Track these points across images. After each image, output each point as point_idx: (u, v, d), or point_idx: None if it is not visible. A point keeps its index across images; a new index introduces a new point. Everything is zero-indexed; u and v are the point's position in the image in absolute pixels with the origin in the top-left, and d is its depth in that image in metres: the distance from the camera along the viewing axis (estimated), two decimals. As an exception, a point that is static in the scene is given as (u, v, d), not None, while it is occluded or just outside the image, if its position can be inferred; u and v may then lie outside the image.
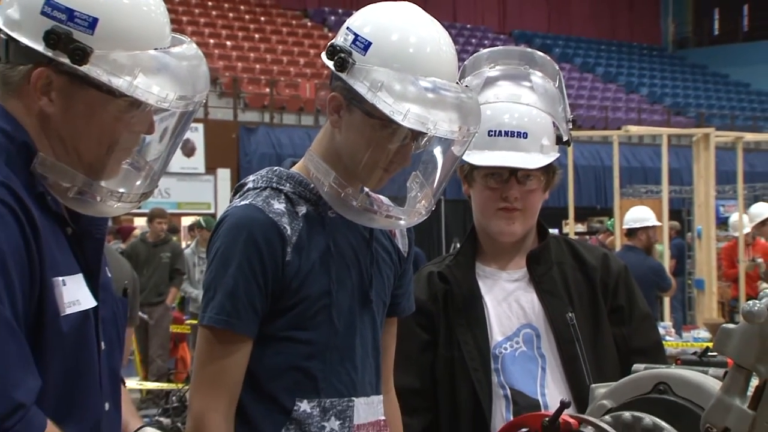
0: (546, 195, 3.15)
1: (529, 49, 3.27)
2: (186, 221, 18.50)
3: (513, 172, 3.03)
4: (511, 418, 2.87)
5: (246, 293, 2.53)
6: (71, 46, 2.05)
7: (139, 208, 2.40)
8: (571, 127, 3.17)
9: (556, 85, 3.14)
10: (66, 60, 2.05)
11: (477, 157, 3.00)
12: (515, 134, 3.02)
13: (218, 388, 2.56)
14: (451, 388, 3.07)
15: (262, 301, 2.55)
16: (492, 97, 3.08)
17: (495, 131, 3.01)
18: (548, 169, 3.08)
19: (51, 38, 2.05)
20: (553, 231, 3.33)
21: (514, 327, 3.08)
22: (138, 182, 2.26)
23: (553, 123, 3.11)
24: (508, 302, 3.10)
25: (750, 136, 16.07)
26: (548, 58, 3.20)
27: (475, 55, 3.22)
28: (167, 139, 2.29)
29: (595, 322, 3.09)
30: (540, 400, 3.03)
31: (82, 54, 2.04)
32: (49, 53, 2.06)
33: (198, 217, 17.60)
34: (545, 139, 3.04)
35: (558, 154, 3.10)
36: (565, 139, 3.14)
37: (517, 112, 3.06)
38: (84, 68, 2.06)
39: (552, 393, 3.01)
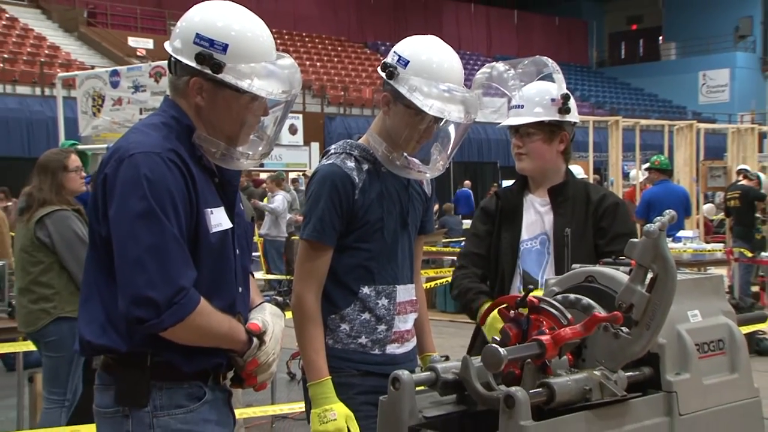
0: (558, 146, 3.11)
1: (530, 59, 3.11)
2: (292, 175, 19.49)
3: (516, 129, 3.09)
4: (521, 287, 2.97)
5: (330, 219, 2.60)
6: (212, 61, 2.11)
7: (261, 166, 2.49)
8: (563, 98, 3.07)
9: (549, 75, 3.08)
10: (209, 71, 2.11)
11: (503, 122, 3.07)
12: (517, 107, 3.05)
13: (311, 278, 2.64)
14: (496, 263, 3.13)
15: (340, 224, 2.62)
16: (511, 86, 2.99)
17: (511, 107, 3.04)
18: (543, 127, 3.06)
19: (199, 58, 2.11)
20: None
21: (536, 232, 3.11)
22: (260, 148, 2.29)
23: (552, 99, 3.05)
24: (536, 217, 3.13)
25: (643, 122, 16.28)
26: (540, 59, 3.08)
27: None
28: (277, 119, 2.31)
29: (582, 237, 3.08)
30: (539, 280, 3.02)
31: (218, 67, 2.10)
32: (199, 67, 2.12)
33: (299, 173, 18.43)
34: (537, 108, 3.04)
35: (550, 118, 3.05)
36: (561, 107, 3.06)
37: (523, 93, 3.02)
38: (220, 76, 2.11)
39: (547, 277, 2.94)
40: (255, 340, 2.20)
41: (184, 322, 2.02)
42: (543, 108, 3.05)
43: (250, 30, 2.18)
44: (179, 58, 2.15)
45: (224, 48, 2.12)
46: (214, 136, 2.19)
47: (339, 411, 2.55)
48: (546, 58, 3.08)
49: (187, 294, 2.02)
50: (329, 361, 2.67)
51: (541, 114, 3.05)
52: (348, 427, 2.54)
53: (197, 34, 2.13)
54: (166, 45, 2.20)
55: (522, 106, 3.06)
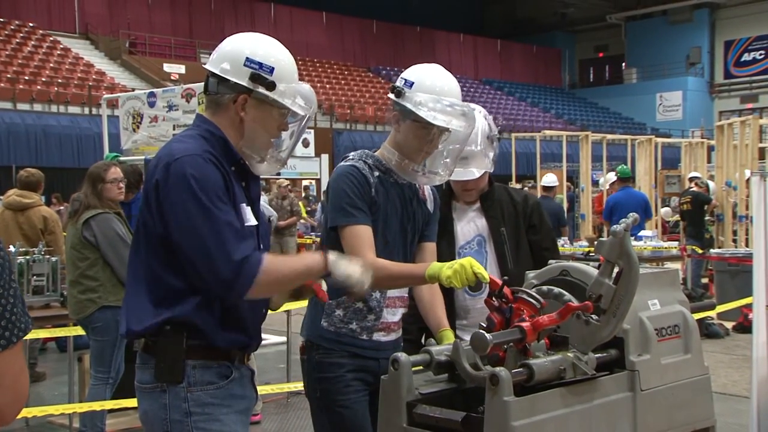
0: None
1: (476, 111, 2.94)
2: (304, 182, 19.35)
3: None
4: (467, 288, 2.82)
5: (356, 203, 2.53)
6: (266, 81, 2.11)
7: (278, 174, 2.40)
8: (497, 139, 3.02)
9: (489, 125, 2.99)
10: (262, 89, 2.11)
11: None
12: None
13: (362, 249, 2.47)
14: None
15: (366, 207, 2.54)
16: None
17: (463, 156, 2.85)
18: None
19: (254, 77, 2.10)
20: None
21: (471, 236, 3.04)
22: (279, 156, 2.25)
23: (488, 138, 2.94)
24: (468, 222, 3.06)
25: (609, 137, 16.43)
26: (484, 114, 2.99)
27: None
28: (296, 132, 2.27)
29: (516, 234, 3.03)
30: None
31: (273, 85, 2.11)
32: (250, 86, 2.11)
33: (311, 181, 18.45)
34: (490, 153, 2.97)
35: (493, 154, 2.97)
36: (496, 142, 3.00)
37: (472, 148, 2.91)
38: (269, 93, 2.11)
39: (490, 273, 2.92)
40: (330, 254, 2.13)
41: (256, 284, 2.00)
42: (488, 150, 2.98)
43: (287, 56, 2.20)
44: (229, 77, 2.12)
45: (271, 71, 2.12)
46: (249, 147, 2.17)
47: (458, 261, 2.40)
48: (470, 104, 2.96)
49: (246, 263, 1.98)
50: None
51: (490, 157, 2.98)
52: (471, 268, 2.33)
53: (247, 57, 2.11)
54: (210, 67, 2.17)
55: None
